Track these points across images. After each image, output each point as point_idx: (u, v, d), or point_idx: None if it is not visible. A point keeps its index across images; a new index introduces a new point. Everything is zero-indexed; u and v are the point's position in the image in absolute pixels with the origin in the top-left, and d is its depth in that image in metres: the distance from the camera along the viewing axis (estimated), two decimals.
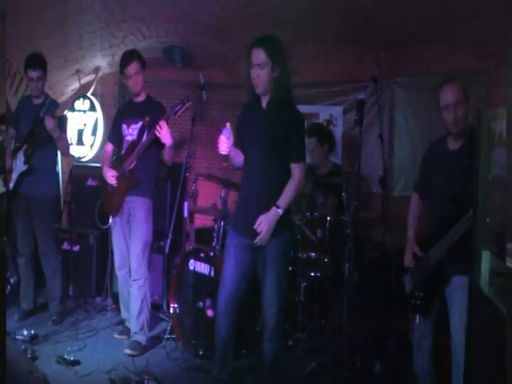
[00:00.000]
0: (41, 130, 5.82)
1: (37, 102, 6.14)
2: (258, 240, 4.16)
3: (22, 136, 6.05)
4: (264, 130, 4.26)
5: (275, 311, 4.28)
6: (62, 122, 6.02)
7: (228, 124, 4.21)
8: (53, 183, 6.22)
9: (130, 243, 5.69)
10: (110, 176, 5.64)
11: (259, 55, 4.18)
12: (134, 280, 5.63)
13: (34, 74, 5.98)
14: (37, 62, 6.02)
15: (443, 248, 4.03)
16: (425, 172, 4.49)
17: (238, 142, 4.38)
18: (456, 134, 4.14)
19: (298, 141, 4.32)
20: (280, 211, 4.16)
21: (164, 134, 5.38)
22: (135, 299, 5.64)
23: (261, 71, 4.18)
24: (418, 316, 4.30)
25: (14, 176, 5.98)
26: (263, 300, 4.33)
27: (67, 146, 6.23)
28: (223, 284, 4.42)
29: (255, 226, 4.16)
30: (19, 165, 5.96)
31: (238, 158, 4.44)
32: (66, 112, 6.19)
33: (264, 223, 4.14)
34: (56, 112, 5.85)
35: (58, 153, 6.27)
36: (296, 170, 4.26)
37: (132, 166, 5.56)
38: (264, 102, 4.34)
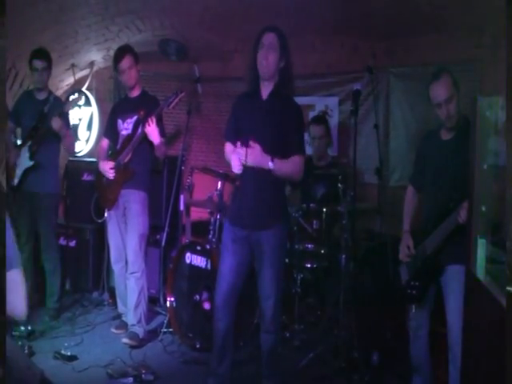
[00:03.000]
0: (45, 126, 5.83)
1: (40, 97, 6.13)
2: (250, 156, 4.11)
3: (25, 131, 6.06)
4: (263, 120, 4.23)
5: (272, 303, 4.27)
6: (65, 119, 6.03)
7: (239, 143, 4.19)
8: (57, 179, 6.22)
9: (125, 236, 5.70)
10: (108, 168, 5.64)
11: (272, 39, 4.19)
12: (131, 273, 5.64)
13: (39, 63, 5.98)
14: (43, 53, 6.05)
15: (438, 237, 4.03)
16: (419, 163, 4.49)
17: (232, 135, 4.37)
18: (451, 127, 4.14)
19: (299, 133, 4.31)
20: (271, 164, 4.09)
21: (152, 130, 5.40)
22: (132, 292, 5.64)
23: (270, 54, 4.16)
24: (413, 306, 4.30)
25: (19, 172, 5.98)
26: (260, 291, 4.32)
27: (73, 142, 6.26)
28: (221, 278, 4.39)
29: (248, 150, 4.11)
30: (24, 161, 5.95)
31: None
32: (70, 109, 6.19)
33: (255, 149, 4.10)
34: (61, 109, 5.84)
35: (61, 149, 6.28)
36: (296, 161, 4.24)
37: (127, 159, 5.56)
38: (264, 93, 4.30)
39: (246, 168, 4.21)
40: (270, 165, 4.11)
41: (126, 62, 5.63)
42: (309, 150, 6.43)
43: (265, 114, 4.21)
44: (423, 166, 4.41)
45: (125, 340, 5.52)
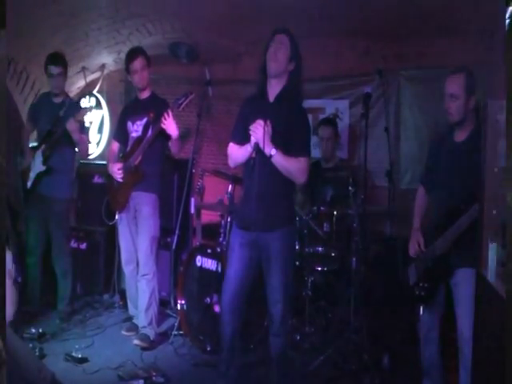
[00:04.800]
0: (60, 130, 5.82)
1: (57, 100, 6.10)
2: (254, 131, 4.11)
3: (41, 135, 6.05)
4: (270, 125, 4.15)
5: (281, 307, 4.24)
6: (81, 124, 6.03)
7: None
8: (70, 184, 6.21)
9: (136, 239, 5.70)
10: (116, 169, 5.65)
11: (282, 38, 4.19)
12: (143, 275, 5.66)
13: (54, 69, 5.96)
14: (58, 58, 6.03)
15: (448, 239, 4.02)
16: (431, 164, 4.50)
17: (239, 137, 4.34)
18: (452, 123, 4.20)
19: (304, 135, 4.27)
20: (273, 151, 4.07)
21: (169, 124, 5.39)
22: (143, 294, 5.65)
23: (279, 51, 4.15)
24: (422, 308, 4.29)
25: (32, 175, 5.98)
26: (268, 295, 4.29)
27: (87, 147, 6.26)
28: (228, 282, 4.38)
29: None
30: (37, 164, 5.95)
31: (240, 154, 4.35)
32: (87, 114, 6.20)
33: (261, 127, 4.07)
34: (77, 116, 5.84)
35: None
36: (300, 161, 4.19)
37: (137, 162, 5.56)
38: (272, 95, 4.27)
39: (251, 172, 4.21)
40: (273, 151, 4.08)
41: (138, 63, 5.63)
42: (317, 153, 6.45)
43: (271, 116, 4.15)
44: (435, 167, 4.41)
45: (136, 341, 5.53)
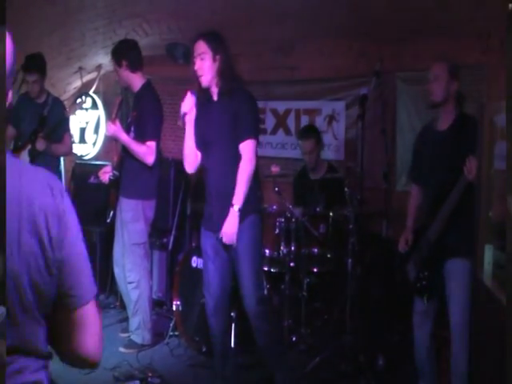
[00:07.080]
0: (46, 129, 5.81)
1: (39, 100, 6.07)
2: (225, 241, 4.16)
3: (26, 135, 5.95)
4: (217, 122, 4.25)
5: (255, 300, 4.25)
6: (67, 121, 5.99)
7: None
8: (59, 179, 6.16)
9: None
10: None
11: (199, 46, 4.22)
12: (128, 282, 5.57)
13: (29, 77, 5.92)
14: (33, 64, 5.91)
15: (441, 220, 4.01)
16: (416, 157, 4.57)
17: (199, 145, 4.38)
18: (433, 104, 4.23)
19: (247, 118, 4.25)
20: (236, 207, 4.09)
21: (111, 130, 5.22)
22: (129, 301, 5.61)
23: (202, 62, 4.19)
24: (421, 301, 4.26)
25: None
26: (241, 290, 4.31)
27: (68, 148, 6.27)
28: (208, 284, 4.43)
29: (220, 235, 4.15)
30: None
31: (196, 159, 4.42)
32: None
33: (228, 230, 4.13)
34: (61, 111, 5.82)
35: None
36: (245, 149, 4.17)
37: (115, 165, 5.47)
38: (215, 95, 4.32)
39: (209, 173, 4.32)
40: (237, 208, 4.10)
41: (113, 65, 5.60)
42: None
43: (216, 115, 4.25)
44: (420, 159, 4.48)
45: (120, 349, 5.52)
